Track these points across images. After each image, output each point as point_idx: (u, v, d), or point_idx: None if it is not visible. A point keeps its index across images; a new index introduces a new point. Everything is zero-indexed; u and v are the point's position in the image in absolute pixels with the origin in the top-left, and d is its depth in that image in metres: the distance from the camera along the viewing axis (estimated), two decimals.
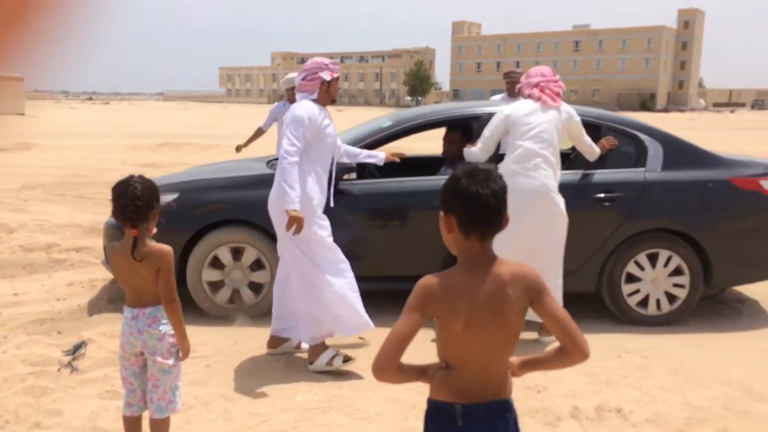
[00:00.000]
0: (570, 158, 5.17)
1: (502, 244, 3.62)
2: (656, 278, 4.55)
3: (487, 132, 4.31)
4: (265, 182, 4.37)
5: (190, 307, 4.41)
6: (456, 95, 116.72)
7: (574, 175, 4.58)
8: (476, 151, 4.34)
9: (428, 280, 1.63)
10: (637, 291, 4.57)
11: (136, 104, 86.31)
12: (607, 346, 4.13)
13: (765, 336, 4.39)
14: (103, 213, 7.59)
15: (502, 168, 4.11)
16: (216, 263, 4.62)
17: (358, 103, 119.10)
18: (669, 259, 4.53)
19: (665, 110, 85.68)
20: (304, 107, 3.71)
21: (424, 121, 4.92)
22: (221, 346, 4.09)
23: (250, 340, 4.19)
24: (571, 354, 1.65)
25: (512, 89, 6.33)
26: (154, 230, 2.54)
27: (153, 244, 2.50)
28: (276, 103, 7.41)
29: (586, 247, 4.47)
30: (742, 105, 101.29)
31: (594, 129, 4.57)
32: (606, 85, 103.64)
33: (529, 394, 3.44)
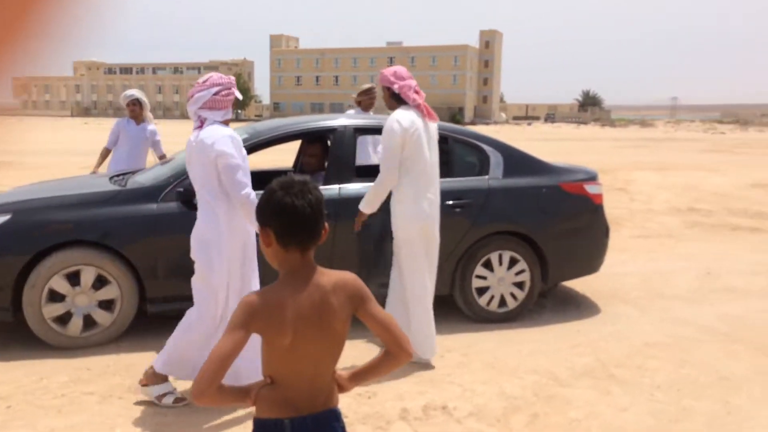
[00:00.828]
0: None
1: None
2: (502, 278, 4.87)
3: (389, 153, 3.95)
4: (109, 200, 4.20)
5: None
6: (276, 108, 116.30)
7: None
8: (386, 179, 3.99)
9: (251, 297, 1.60)
10: (487, 289, 4.86)
11: None
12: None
13: (566, 327, 4.85)
14: None
15: (401, 190, 4.00)
16: (54, 296, 4.15)
17: (173, 116, 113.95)
18: (512, 259, 4.88)
19: (473, 123, 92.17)
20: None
21: (281, 133, 4.83)
22: (23, 384, 3.68)
23: (56, 375, 3.81)
24: (396, 356, 1.69)
25: (371, 105, 6.47)
26: None
27: None
28: (117, 120, 6.88)
29: (441, 252, 4.64)
30: (537, 118, 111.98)
31: (442, 140, 4.72)
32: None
33: (360, 400, 3.49)
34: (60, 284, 4.16)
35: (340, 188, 4.64)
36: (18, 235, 4.13)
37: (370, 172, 5.61)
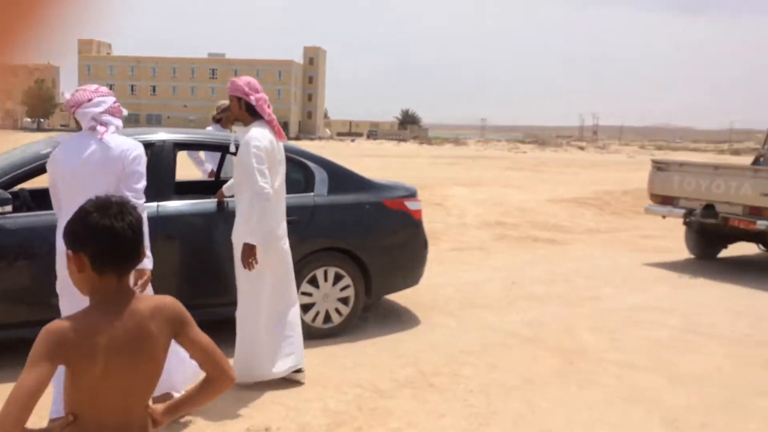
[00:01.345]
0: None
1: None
2: (327, 294, 4.90)
3: (259, 166, 3.74)
4: None
5: None
6: None
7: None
8: (267, 199, 3.76)
9: (57, 325, 1.46)
10: (312, 306, 4.85)
11: None
12: None
13: (389, 340, 5.02)
14: None
15: (249, 208, 3.78)
16: None
17: None
18: (336, 275, 4.93)
19: (297, 138, 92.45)
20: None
21: None
22: None
23: None
24: (219, 381, 1.64)
25: (232, 122, 6.15)
26: None
27: None
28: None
29: None
30: (360, 135, 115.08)
31: None
32: None
33: (175, 428, 3.33)
34: None
35: (158, 206, 4.42)
36: None
37: (190, 189, 5.42)
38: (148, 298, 1.61)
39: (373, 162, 30.28)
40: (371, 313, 5.63)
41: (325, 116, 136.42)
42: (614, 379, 4.28)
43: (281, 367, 3.98)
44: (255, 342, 3.96)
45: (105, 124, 3.28)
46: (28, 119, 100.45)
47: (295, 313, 4.11)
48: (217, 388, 1.66)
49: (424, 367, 4.41)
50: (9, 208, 4.08)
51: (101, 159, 3.21)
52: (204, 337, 1.66)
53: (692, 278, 7.47)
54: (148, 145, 4.63)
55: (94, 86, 3.39)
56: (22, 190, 4.76)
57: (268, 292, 3.97)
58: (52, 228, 4.17)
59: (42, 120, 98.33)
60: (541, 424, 3.61)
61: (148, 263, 3.25)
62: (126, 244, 1.52)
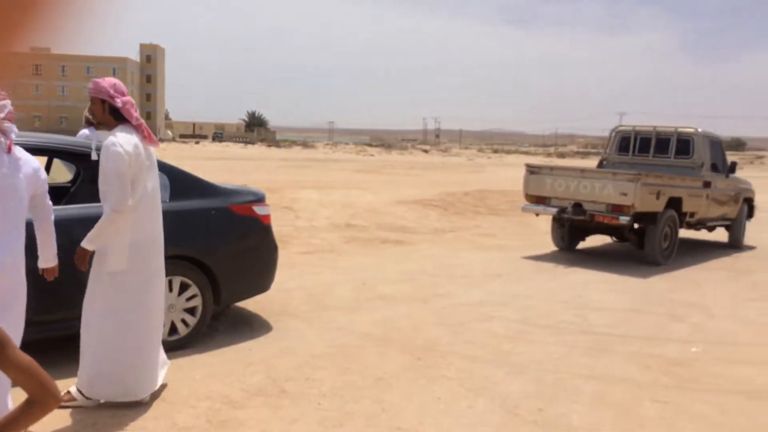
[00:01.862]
0: (71, 192, 5.00)
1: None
2: (173, 304, 4.66)
3: (121, 181, 3.51)
4: None
5: None
6: None
7: (85, 209, 4.33)
8: (122, 210, 3.53)
9: None
10: None
11: None
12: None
13: (239, 348, 4.89)
14: None
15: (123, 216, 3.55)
16: None
17: None
18: (182, 284, 4.71)
19: None
20: None
21: None
22: None
23: None
24: (44, 401, 1.54)
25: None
26: None
27: None
28: None
29: None
30: (205, 137, 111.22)
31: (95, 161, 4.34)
32: (72, 112, 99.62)
33: None
34: None
35: None
36: None
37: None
38: None
39: (219, 165, 29.43)
40: (220, 321, 5.47)
41: (167, 117, 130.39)
42: (459, 372, 4.50)
43: (157, 382, 3.85)
44: (126, 359, 3.74)
45: (5, 132, 2.87)
46: None
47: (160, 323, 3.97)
48: (43, 409, 1.56)
49: (276, 373, 4.36)
50: None
51: (13, 177, 2.92)
52: (24, 357, 1.55)
53: (528, 272, 8.05)
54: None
55: None
56: None
57: (145, 308, 3.77)
58: None
59: None
60: (393, 420, 3.70)
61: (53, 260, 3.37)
62: None
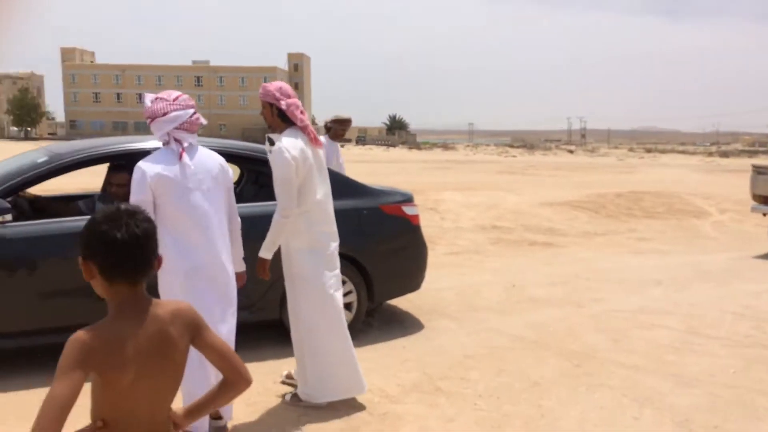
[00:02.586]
0: (237, 192, 5.28)
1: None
2: None
3: (288, 187, 3.57)
4: None
5: None
6: (73, 127, 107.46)
7: (248, 208, 4.59)
8: (278, 220, 3.60)
9: (84, 335, 1.45)
10: None
11: None
12: (265, 373, 4.21)
13: (393, 344, 4.99)
14: None
15: (294, 224, 3.64)
16: None
17: None
18: None
19: None
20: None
21: (84, 156, 4.42)
22: None
23: None
24: (235, 384, 1.66)
25: (340, 136, 6.49)
26: None
27: None
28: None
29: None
30: (349, 140, 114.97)
31: (263, 163, 4.50)
32: (230, 120, 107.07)
33: None
34: None
35: None
36: None
37: None
38: (165, 304, 1.62)
39: (363, 168, 30.28)
40: (374, 318, 5.59)
41: (313, 122, 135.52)
42: (621, 381, 4.26)
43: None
44: (329, 362, 3.79)
45: (179, 140, 3.18)
46: (14, 128, 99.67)
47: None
48: (234, 390, 1.68)
49: (431, 371, 4.38)
50: (9, 217, 4.04)
51: (222, 175, 3.34)
52: (220, 341, 1.68)
53: (691, 278, 7.50)
54: (144, 153, 4.58)
55: (174, 95, 3.23)
56: (20, 197, 4.71)
57: (332, 309, 3.79)
58: (54, 236, 4.15)
59: (29, 129, 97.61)
60: (553, 426, 3.59)
61: (240, 266, 3.48)
62: (130, 254, 1.51)
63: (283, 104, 3.64)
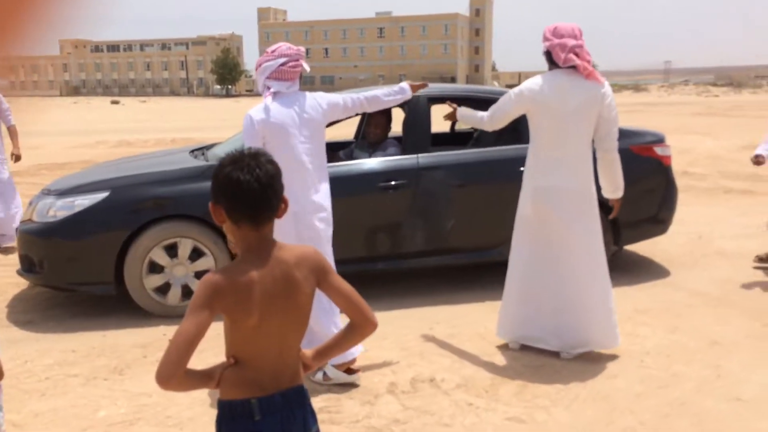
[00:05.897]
0: (474, 137, 5.36)
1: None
2: None
3: (497, 104, 3.69)
4: (201, 175, 4.34)
5: None
6: None
7: (483, 152, 4.80)
8: (483, 117, 3.77)
9: (214, 276, 1.54)
10: None
11: None
12: (418, 320, 4.29)
13: None
14: None
15: (527, 163, 3.66)
16: (154, 267, 4.39)
17: (163, 93, 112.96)
18: None
19: None
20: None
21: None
22: (7, 368, 3.62)
23: (41, 358, 3.77)
24: (362, 326, 1.68)
25: None
26: None
27: None
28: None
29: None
30: None
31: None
32: (410, 70, 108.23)
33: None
34: (160, 256, 4.35)
35: (418, 157, 4.66)
36: (118, 210, 4.29)
37: (445, 141, 5.65)
38: (291, 248, 1.64)
39: None
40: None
41: (493, 69, 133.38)
42: None
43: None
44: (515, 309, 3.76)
45: (269, 88, 3.36)
46: (218, 87, 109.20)
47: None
48: (360, 333, 1.70)
49: None
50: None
51: (315, 113, 3.40)
52: (345, 285, 1.69)
53: None
54: (406, 102, 4.60)
55: (275, 46, 3.41)
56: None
57: (536, 258, 3.68)
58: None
59: (230, 87, 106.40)
60: (731, 389, 3.26)
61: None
62: (252, 196, 1.54)
63: (546, 45, 3.51)
